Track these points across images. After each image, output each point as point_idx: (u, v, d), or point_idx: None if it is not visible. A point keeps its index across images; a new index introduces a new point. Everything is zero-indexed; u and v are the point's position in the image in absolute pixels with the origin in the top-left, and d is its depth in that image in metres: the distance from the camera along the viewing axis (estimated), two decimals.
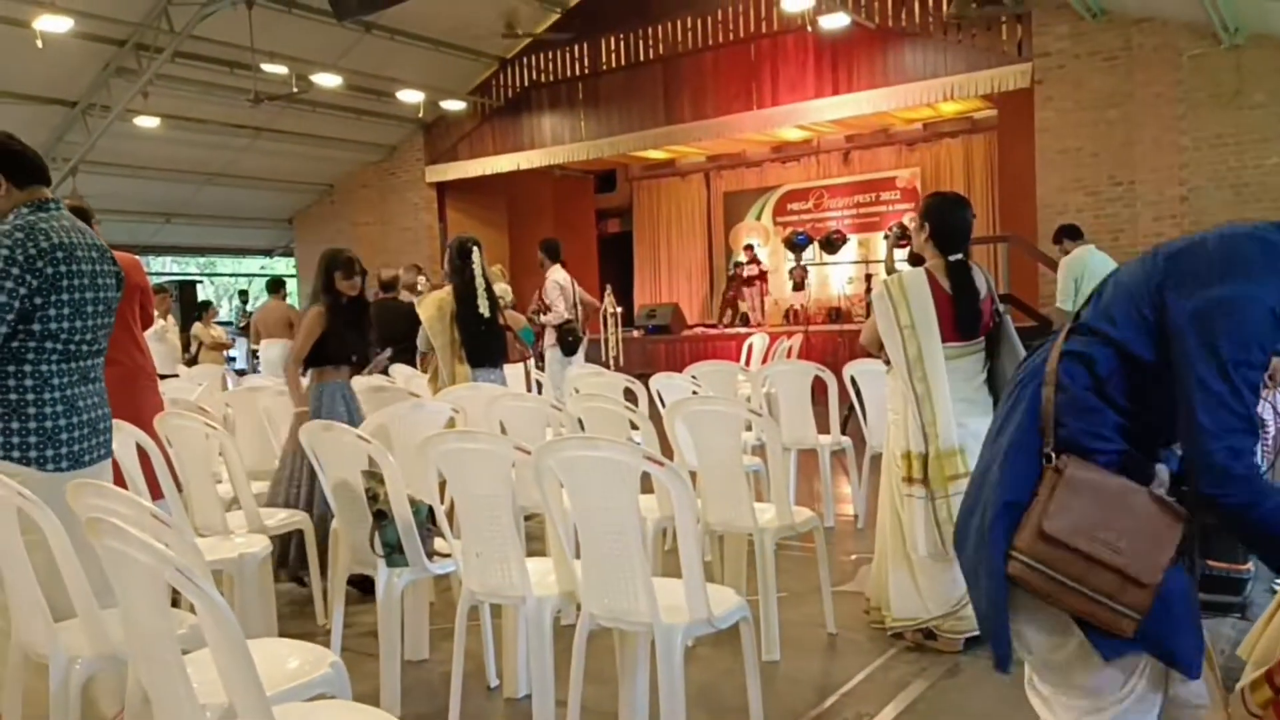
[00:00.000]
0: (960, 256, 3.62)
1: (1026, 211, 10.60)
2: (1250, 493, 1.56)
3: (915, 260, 6.59)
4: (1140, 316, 1.65)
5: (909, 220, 11.07)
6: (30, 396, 2.77)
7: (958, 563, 1.87)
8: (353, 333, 4.63)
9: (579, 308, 8.26)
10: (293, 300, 14.70)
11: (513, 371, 5.90)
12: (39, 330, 2.76)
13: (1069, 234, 7.54)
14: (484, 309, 5.40)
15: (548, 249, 8.42)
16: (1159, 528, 1.60)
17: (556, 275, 8.23)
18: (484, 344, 5.45)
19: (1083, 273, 6.97)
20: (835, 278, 14.75)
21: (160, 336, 9.57)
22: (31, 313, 2.74)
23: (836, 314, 13.83)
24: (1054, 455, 1.65)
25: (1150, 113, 9.55)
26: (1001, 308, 3.75)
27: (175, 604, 2.12)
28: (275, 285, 10.55)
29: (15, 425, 2.76)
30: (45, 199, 2.88)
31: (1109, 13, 9.70)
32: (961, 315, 3.54)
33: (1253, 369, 1.57)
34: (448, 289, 5.53)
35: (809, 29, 11.35)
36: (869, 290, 10.55)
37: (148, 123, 12.02)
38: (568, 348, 7.94)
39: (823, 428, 5.69)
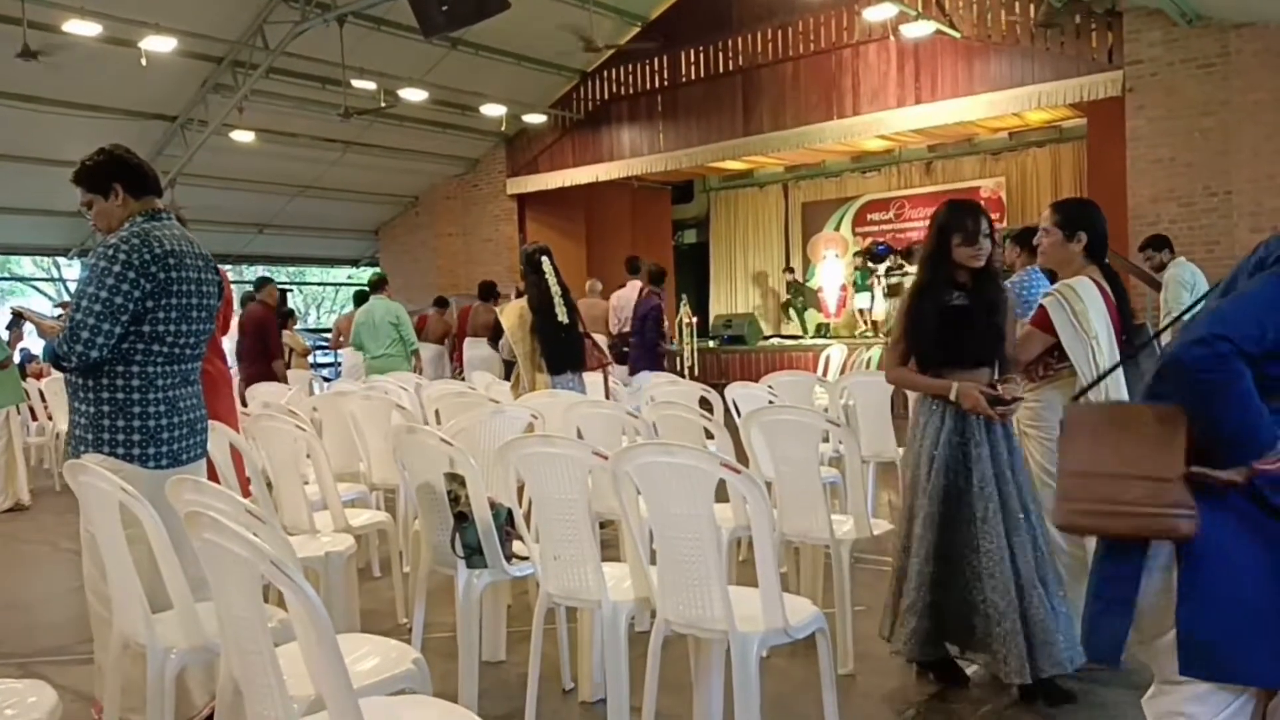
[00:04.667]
0: (1106, 262, 3.50)
1: (1117, 222, 10.22)
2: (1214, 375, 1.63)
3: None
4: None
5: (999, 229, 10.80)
6: (136, 396, 2.92)
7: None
8: (965, 325, 3.20)
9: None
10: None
11: (591, 379, 5.95)
12: (148, 332, 2.91)
13: (1168, 245, 7.48)
14: (562, 316, 5.45)
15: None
16: (1160, 425, 1.67)
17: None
18: (563, 351, 5.50)
19: (1192, 285, 6.94)
20: None
21: None
22: (142, 315, 2.89)
23: None
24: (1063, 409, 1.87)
25: (1249, 120, 9.20)
26: None
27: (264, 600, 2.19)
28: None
29: (121, 423, 2.90)
30: (157, 209, 3.04)
31: (1205, 18, 9.38)
32: (1124, 320, 3.40)
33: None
34: (525, 299, 5.60)
35: (891, 38, 11.23)
36: None
37: (243, 137, 12.47)
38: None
39: (903, 440, 5.59)
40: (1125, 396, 3.28)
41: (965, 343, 3.21)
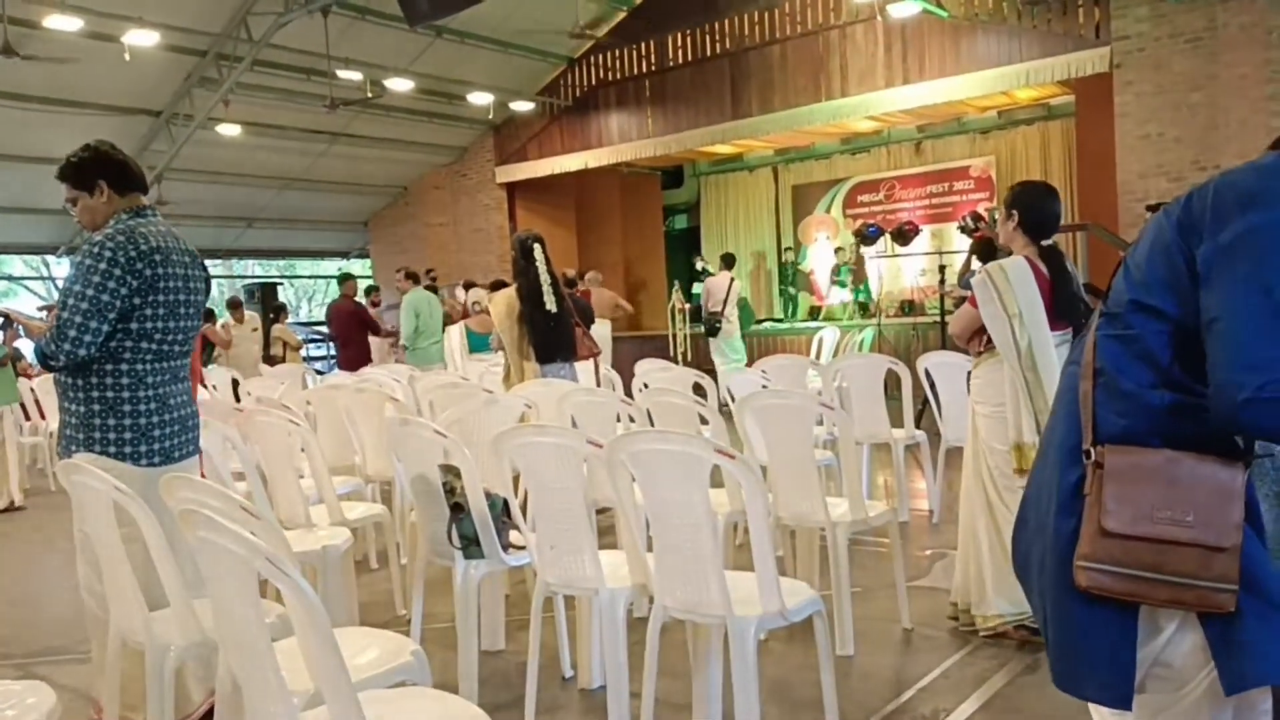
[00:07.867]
0: (1052, 242, 3.60)
1: (1107, 199, 10.31)
2: None
3: (988, 253, 6.46)
4: (1172, 276, 1.55)
5: (984, 210, 10.85)
6: (126, 394, 2.91)
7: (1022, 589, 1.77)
8: None
9: (724, 305, 10.82)
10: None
11: (582, 368, 5.95)
12: (136, 329, 2.90)
13: None
14: (550, 305, 5.45)
15: (722, 261, 11.54)
16: (1217, 483, 1.51)
17: (711, 280, 11.12)
18: (553, 340, 5.50)
19: None
20: (908, 270, 14.53)
21: (245, 337, 9.96)
22: (130, 313, 2.87)
23: (909, 307, 13.63)
24: (1091, 451, 1.57)
25: (1237, 94, 9.20)
26: (1087, 299, 3.68)
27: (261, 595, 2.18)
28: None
29: (111, 422, 2.89)
30: (143, 205, 3.02)
31: None
32: (1060, 301, 3.49)
33: None
34: (514, 287, 5.59)
35: (878, 18, 11.20)
36: (942, 282, 10.37)
37: (229, 130, 12.38)
38: (709, 331, 10.98)
39: (896, 422, 5.62)
40: (1055, 375, 3.25)
41: None
